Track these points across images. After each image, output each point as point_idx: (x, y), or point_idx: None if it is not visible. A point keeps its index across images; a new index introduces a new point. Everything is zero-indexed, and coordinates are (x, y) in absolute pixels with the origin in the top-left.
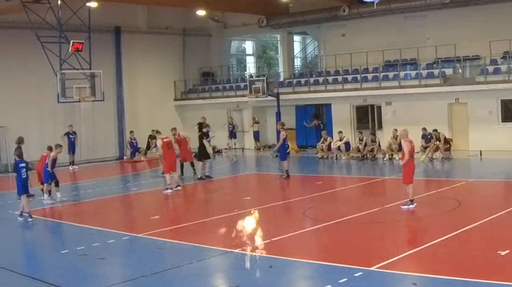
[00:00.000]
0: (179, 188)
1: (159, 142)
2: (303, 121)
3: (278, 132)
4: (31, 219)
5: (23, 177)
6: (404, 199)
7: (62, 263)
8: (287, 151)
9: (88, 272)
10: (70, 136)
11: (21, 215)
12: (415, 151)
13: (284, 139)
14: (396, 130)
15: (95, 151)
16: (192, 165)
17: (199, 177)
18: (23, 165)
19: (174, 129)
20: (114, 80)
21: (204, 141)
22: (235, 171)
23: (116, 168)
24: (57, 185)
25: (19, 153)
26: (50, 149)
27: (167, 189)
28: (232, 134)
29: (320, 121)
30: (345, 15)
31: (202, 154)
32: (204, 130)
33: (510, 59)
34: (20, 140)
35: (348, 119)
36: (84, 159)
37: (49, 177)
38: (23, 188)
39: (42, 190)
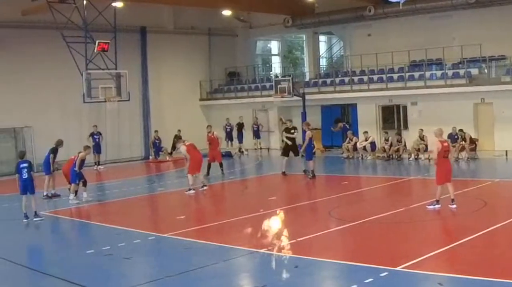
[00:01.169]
0: (205, 187)
1: (183, 149)
2: (330, 127)
3: (304, 132)
4: (37, 219)
5: (24, 177)
6: (430, 199)
7: (88, 263)
8: (313, 151)
9: (113, 272)
10: (95, 136)
11: (36, 215)
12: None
13: (310, 139)
14: (422, 130)
15: (121, 151)
16: (221, 165)
17: (283, 171)
18: (25, 165)
19: (209, 126)
20: (139, 80)
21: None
22: (260, 171)
23: (142, 168)
24: (84, 184)
25: (22, 153)
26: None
27: (189, 189)
28: (256, 134)
29: (344, 123)
30: (371, 15)
31: (286, 150)
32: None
33: None
34: (59, 143)
35: (373, 119)
36: (109, 159)
37: (76, 177)
38: (23, 188)
39: (69, 189)
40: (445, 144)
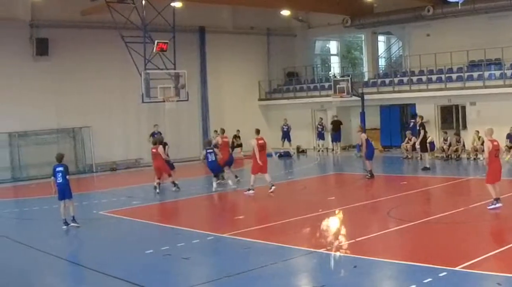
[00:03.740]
0: (273, 188)
1: (253, 142)
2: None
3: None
4: (74, 224)
5: (58, 181)
6: (489, 199)
7: (147, 263)
8: (373, 152)
9: (172, 272)
10: (156, 136)
11: (73, 220)
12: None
13: (367, 140)
14: (478, 132)
15: (180, 151)
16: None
17: (427, 166)
18: (60, 168)
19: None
20: (198, 80)
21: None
22: (319, 171)
23: (200, 167)
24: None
25: (59, 156)
26: (155, 143)
27: (249, 189)
28: (320, 135)
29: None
30: (430, 15)
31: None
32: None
33: None
34: (160, 141)
35: (432, 119)
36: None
37: (171, 165)
38: (60, 194)
39: (173, 182)
40: (495, 143)
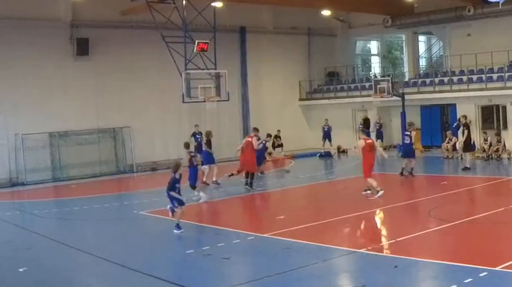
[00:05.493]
0: (368, 192)
1: (361, 143)
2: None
3: (403, 133)
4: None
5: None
6: None
7: (187, 262)
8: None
9: (212, 272)
10: (197, 136)
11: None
12: None
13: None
14: None
15: (221, 151)
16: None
17: (467, 166)
18: (177, 185)
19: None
20: (239, 80)
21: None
22: (360, 171)
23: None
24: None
25: (175, 167)
26: (256, 129)
27: (378, 191)
28: (379, 135)
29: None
30: (470, 15)
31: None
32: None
33: None
34: (208, 134)
35: (473, 119)
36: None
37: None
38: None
39: (261, 173)
40: None
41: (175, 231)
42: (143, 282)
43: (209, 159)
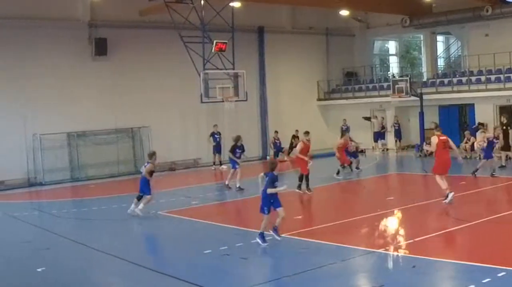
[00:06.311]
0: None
1: (434, 139)
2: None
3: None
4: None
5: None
6: None
7: (205, 263)
8: None
9: (230, 272)
10: (216, 136)
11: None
12: None
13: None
14: None
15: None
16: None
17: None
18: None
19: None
20: (257, 80)
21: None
22: (378, 171)
23: (259, 168)
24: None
25: (272, 165)
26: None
27: (447, 196)
28: (381, 135)
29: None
30: (488, 15)
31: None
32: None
33: None
34: (237, 139)
35: (491, 119)
36: (227, 159)
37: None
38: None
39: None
40: None
41: (260, 241)
42: (161, 282)
43: (233, 164)
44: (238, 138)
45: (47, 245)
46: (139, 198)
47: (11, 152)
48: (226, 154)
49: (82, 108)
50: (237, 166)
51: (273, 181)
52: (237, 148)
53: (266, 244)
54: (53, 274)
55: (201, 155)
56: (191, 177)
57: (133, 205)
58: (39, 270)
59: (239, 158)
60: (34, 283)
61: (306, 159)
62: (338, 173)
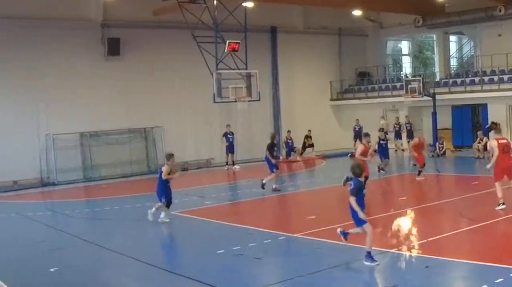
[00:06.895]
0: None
1: (493, 143)
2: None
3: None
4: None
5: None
6: None
7: (218, 263)
8: None
9: (244, 272)
10: (228, 136)
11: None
12: None
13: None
14: None
15: (252, 151)
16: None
17: None
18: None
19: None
20: (270, 80)
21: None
22: (391, 171)
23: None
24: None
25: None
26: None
27: (499, 204)
28: (398, 135)
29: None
30: (501, 15)
31: None
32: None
33: None
34: (274, 137)
35: (504, 119)
36: (240, 159)
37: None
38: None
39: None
40: None
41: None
42: (174, 282)
43: (271, 168)
44: (274, 136)
45: (60, 245)
46: (168, 205)
47: (24, 152)
48: (239, 153)
49: (95, 108)
50: (274, 170)
51: (359, 189)
52: (274, 146)
53: (376, 263)
54: (66, 274)
55: (214, 155)
56: (204, 177)
57: (162, 213)
58: (52, 270)
59: (276, 157)
60: (47, 283)
61: (367, 158)
62: (419, 174)
